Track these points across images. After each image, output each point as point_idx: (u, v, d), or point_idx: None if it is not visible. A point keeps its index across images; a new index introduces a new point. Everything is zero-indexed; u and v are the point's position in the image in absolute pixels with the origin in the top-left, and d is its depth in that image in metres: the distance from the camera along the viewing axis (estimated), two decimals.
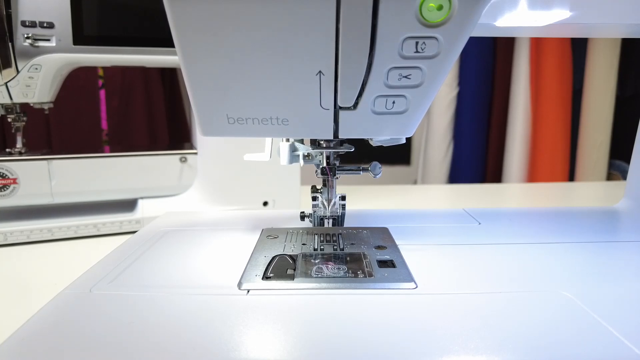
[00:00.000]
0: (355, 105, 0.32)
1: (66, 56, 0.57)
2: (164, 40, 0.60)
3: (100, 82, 1.43)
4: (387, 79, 0.31)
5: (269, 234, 0.44)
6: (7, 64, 0.55)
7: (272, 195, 0.72)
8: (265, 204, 0.72)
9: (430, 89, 0.32)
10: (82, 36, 0.57)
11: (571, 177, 1.91)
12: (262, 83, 0.31)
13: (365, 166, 0.43)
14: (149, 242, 0.43)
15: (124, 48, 0.59)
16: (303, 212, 0.47)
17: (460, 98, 1.93)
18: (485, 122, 1.98)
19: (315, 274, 0.34)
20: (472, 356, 0.24)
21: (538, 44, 1.80)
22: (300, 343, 0.26)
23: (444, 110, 1.94)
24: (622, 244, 0.43)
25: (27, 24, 0.54)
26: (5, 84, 0.57)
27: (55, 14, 0.55)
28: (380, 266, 0.36)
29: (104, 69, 1.40)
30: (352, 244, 0.41)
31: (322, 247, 0.40)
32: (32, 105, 0.62)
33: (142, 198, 0.67)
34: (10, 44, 0.54)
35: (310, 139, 0.42)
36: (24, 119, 0.63)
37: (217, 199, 0.69)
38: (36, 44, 0.55)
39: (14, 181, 0.60)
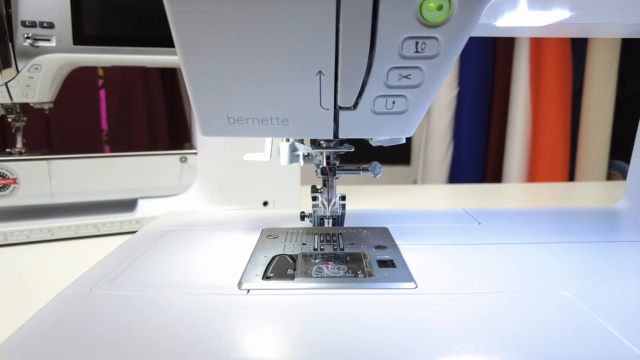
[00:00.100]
0: (355, 105, 0.32)
1: (66, 56, 0.57)
2: (164, 40, 0.60)
3: (100, 82, 1.43)
4: (387, 79, 0.31)
5: (269, 234, 0.44)
6: (7, 64, 0.55)
7: (272, 195, 0.72)
8: (265, 204, 0.72)
9: (430, 89, 0.32)
10: (82, 36, 0.57)
11: (571, 177, 1.91)
12: (262, 83, 0.31)
13: (365, 166, 0.43)
14: (149, 242, 0.43)
15: (124, 48, 0.59)
16: (303, 212, 0.47)
17: (460, 98, 1.93)
18: (485, 122, 1.98)
19: (315, 274, 0.34)
20: (472, 356, 0.24)
21: (538, 44, 1.80)
22: (300, 343, 0.26)
23: (444, 110, 1.94)
24: (622, 244, 0.43)
25: (27, 24, 0.54)
26: (5, 84, 0.57)
27: (55, 14, 0.55)
28: (380, 266, 0.36)
29: (104, 69, 1.40)
30: (352, 244, 0.41)
31: (322, 247, 0.40)
32: (32, 105, 0.62)
33: (142, 198, 0.67)
34: (10, 44, 0.54)
35: (310, 139, 0.42)
36: (24, 119, 0.63)
37: (217, 199, 0.69)
38: (36, 44, 0.55)
39: (14, 181, 0.60)
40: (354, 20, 0.28)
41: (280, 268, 0.36)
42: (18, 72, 0.56)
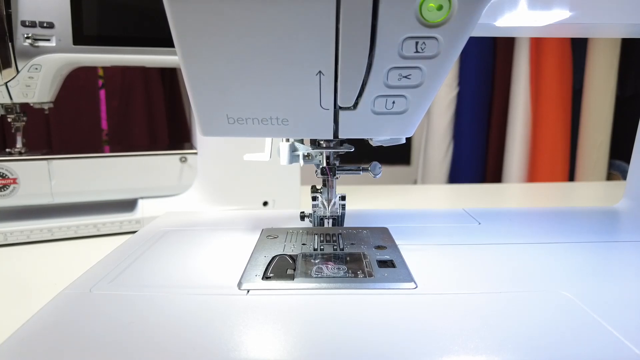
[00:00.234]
0: (355, 105, 0.32)
1: (66, 56, 0.57)
2: (164, 40, 0.60)
3: (100, 82, 1.43)
4: (387, 79, 0.31)
5: (269, 234, 0.44)
6: (7, 64, 0.55)
7: (272, 195, 0.72)
8: (265, 204, 0.72)
9: (430, 89, 0.32)
10: (82, 36, 0.57)
11: (571, 177, 1.91)
12: (262, 83, 0.31)
13: (365, 166, 0.43)
14: (149, 242, 0.43)
15: (124, 48, 0.59)
16: (303, 212, 0.47)
17: (460, 98, 1.93)
18: (485, 122, 1.98)
19: (315, 274, 0.34)
20: (472, 356, 0.24)
21: (538, 44, 1.80)
22: (300, 343, 0.26)
23: (444, 110, 1.94)
24: (622, 244, 0.43)
25: (27, 24, 0.54)
26: (5, 84, 0.57)
27: (55, 14, 0.55)
28: (380, 266, 0.36)
29: (104, 69, 1.40)
30: (352, 244, 0.41)
31: (322, 247, 0.40)
32: (32, 105, 0.62)
33: (142, 198, 0.67)
34: (10, 44, 0.54)
35: (310, 139, 0.42)
36: (24, 119, 0.63)
37: (217, 199, 0.69)
38: (36, 44, 0.55)
39: (14, 181, 0.60)
40: (354, 20, 0.28)
41: (280, 268, 0.36)
42: (18, 72, 0.56)
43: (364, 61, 0.30)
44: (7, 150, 0.63)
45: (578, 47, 1.81)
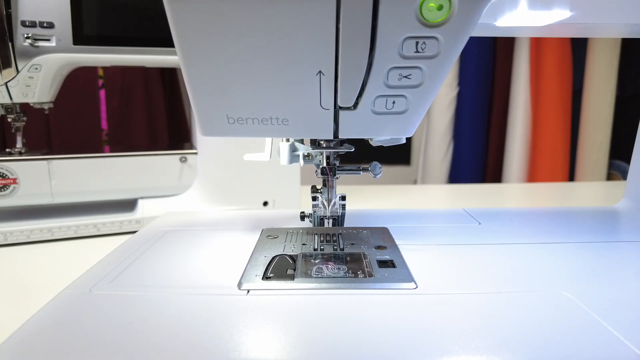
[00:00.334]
0: (355, 105, 0.32)
1: (66, 56, 0.57)
2: (164, 40, 0.60)
3: (100, 82, 1.43)
4: (387, 79, 0.31)
5: (269, 234, 0.44)
6: (7, 64, 0.55)
7: (272, 195, 0.72)
8: (265, 204, 0.72)
9: (430, 89, 0.32)
10: (82, 36, 0.57)
11: (571, 177, 1.91)
12: (262, 83, 0.31)
13: (365, 166, 0.43)
14: (149, 242, 0.43)
15: (124, 48, 0.59)
16: (303, 212, 0.47)
17: (460, 98, 1.93)
18: (485, 122, 1.98)
19: (315, 274, 0.34)
20: (472, 356, 0.24)
21: (538, 44, 1.80)
22: (300, 343, 0.26)
23: (444, 110, 1.94)
24: (622, 244, 0.43)
25: (27, 24, 0.54)
26: (5, 84, 0.57)
27: (55, 14, 0.55)
28: (380, 266, 0.36)
29: (104, 69, 1.40)
30: (352, 244, 0.41)
31: (322, 247, 0.40)
32: (32, 105, 0.62)
33: (142, 198, 0.67)
34: (10, 44, 0.54)
35: (310, 139, 0.42)
36: (24, 119, 0.63)
37: (217, 199, 0.69)
38: (36, 44, 0.55)
39: (14, 181, 0.60)
40: (354, 20, 0.28)
41: (280, 268, 0.36)
42: (18, 72, 0.56)
43: (364, 61, 0.30)
44: (7, 150, 0.63)
45: (578, 47, 1.81)
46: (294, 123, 0.33)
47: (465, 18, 0.29)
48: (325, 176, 0.43)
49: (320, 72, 0.30)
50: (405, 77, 0.31)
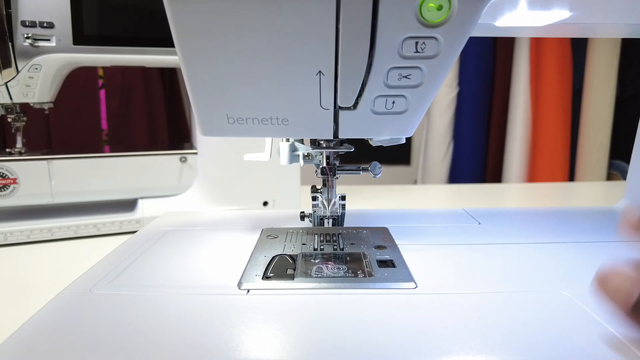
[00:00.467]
0: (355, 105, 0.32)
1: (66, 56, 0.57)
2: (164, 40, 0.60)
3: (100, 82, 1.43)
4: (387, 79, 0.31)
5: (269, 234, 0.44)
6: (7, 64, 0.55)
7: (272, 195, 0.72)
8: (265, 204, 0.72)
9: (430, 89, 0.32)
10: (82, 36, 0.57)
11: (571, 177, 1.91)
12: (262, 83, 0.31)
13: (365, 166, 0.43)
14: (149, 242, 0.43)
15: (124, 48, 0.59)
16: (303, 212, 0.47)
17: (460, 98, 1.93)
18: (485, 122, 1.98)
19: (315, 274, 0.34)
20: (472, 356, 0.24)
21: (538, 44, 1.80)
22: (300, 343, 0.26)
23: (444, 110, 1.94)
24: (622, 244, 0.43)
25: (27, 24, 0.54)
26: (5, 84, 0.57)
27: (55, 14, 0.55)
28: (380, 266, 0.36)
29: (104, 69, 1.40)
30: (352, 243, 0.41)
31: (322, 247, 0.40)
32: (32, 105, 0.62)
33: (142, 198, 0.67)
34: (10, 44, 0.54)
35: (310, 139, 0.42)
36: (24, 119, 0.63)
37: (217, 199, 0.69)
38: (36, 44, 0.55)
39: (14, 181, 0.60)
40: (354, 20, 0.28)
41: (280, 268, 0.36)
42: (18, 72, 0.56)
43: (364, 61, 0.30)
44: (7, 150, 0.63)
45: (578, 47, 1.81)
46: (294, 123, 0.33)
47: (465, 18, 0.29)
48: (325, 176, 0.43)
49: (320, 72, 0.30)
50: (405, 77, 0.31)
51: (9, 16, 0.53)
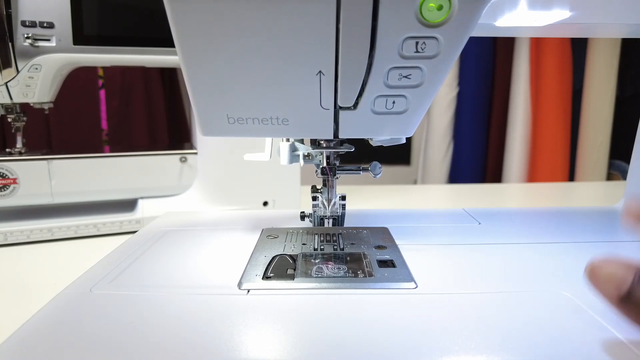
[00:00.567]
0: (355, 105, 0.32)
1: (66, 56, 0.57)
2: (164, 40, 0.60)
3: (100, 82, 1.43)
4: (387, 79, 0.31)
5: (269, 234, 0.44)
6: (7, 64, 0.55)
7: (272, 195, 0.72)
8: (265, 204, 0.72)
9: (430, 89, 0.32)
10: (82, 36, 0.57)
11: (571, 177, 1.91)
12: (262, 83, 0.31)
13: (365, 166, 0.43)
14: (149, 242, 0.43)
15: (124, 48, 0.59)
16: (303, 212, 0.47)
17: (460, 98, 1.93)
18: (485, 122, 1.98)
19: (315, 274, 0.34)
20: (472, 356, 0.24)
21: (538, 44, 1.80)
22: (300, 343, 0.26)
23: (444, 110, 1.94)
24: (622, 244, 0.43)
25: (27, 24, 0.54)
26: (5, 84, 0.57)
27: (55, 14, 0.55)
28: (380, 266, 0.36)
29: (104, 69, 1.40)
30: (352, 243, 0.41)
31: (322, 247, 0.40)
32: (32, 105, 0.62)
33: (142, 198, 0.67)
34: (10, 44, 0.54)
35: (310, 139, 0.42)
36: (24, 119, 0.63)
37: (217, 199, 0.69)
38: (36, 44, 0.55)
39: (14, 181, 0.60)
40: (354, 20, 0.28)
41: (280, 268, 0.36)
42: (18, 72, 0.56)
43: (364, 61, 0.30)
44: (7, 150, 0.63)
45: (578, 47, 1.81)
46: (294, 123, 0.33)
47: (465, 18, 0.29)
48: (325, 176, 0.43)
49: (320, 72, 0.30)
50: (405, 77, 0.31)
51: (9, 16, 0.53)
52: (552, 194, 1.04)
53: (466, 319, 0.28)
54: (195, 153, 0.69)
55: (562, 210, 0.57)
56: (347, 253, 0.39)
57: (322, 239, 0.42)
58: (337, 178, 0.43)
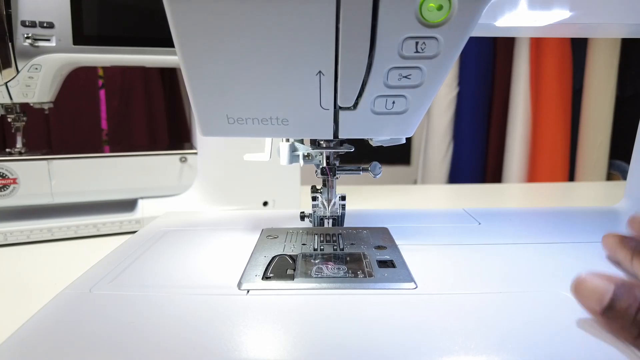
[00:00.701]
0: (355, 105, 0.32)
1: (66, 56, 0.57)
2: (164, 40, 0.60)
3: (100, 82, 1.43)
4: (387, 79, 0.31)
5: (269, 234, 0.44)
6: (7, 64, 0.55)
7: (272, 195, 0.72)
8: (265, 204, 0.72)
9: (430, 89, 0.32)
10: (82, 36, 0.57)
11: (571, 177, 1.91)
12: (262, 83, 0.31)
13: (365, 166, 0.43)
14: (149, 242, 0.43)
15: (124, 48, 0.59)
16: (303, 212, 0.47)
17: (460, 98, 1.93)
18: (485, 122, 1.98)
19: (315, 274, 0.34)
20: (472, 356, 0.24)
21: (538, 44, 1.80)
22: (300, 343, 0.26)
23: (444, 110, 1.94)
24: None
25: (27, 24, 0.54)
26: (5, 84, 0.57)
27: (55, 14, 0.55)
28: (380, 266, 0.36)
29: (104, 69, 1.40)
30: (352, 244, 0.41)
31: (322, 247, 0.40)
32: (32, 105, 0.62)
33: (142, 198, 0.67)
34: (10, 44, 0.54)
35: (310, 139, 0.42)
36: (24, 119, 0.63)
37: (217, 199, 0.69)
38: (36, 44, 0.55)
39: (14, 181, 0.60)
40: (354, 20, 0.28)
41: (280, 268, 0.36)
42: (18, 72, 0.56)
43: (364, 61, 0.30)
44: (7, 150, 0.63)
45: (578, 47, 1.81)
46: (294, 123, 0.33)
47: (465, 18, 0.29)
48: (325, 176, 0.43)
49: (320, 72, 0.30)
50: (405, 77, 0.31)
51: (9, 16, 0.53)
52: (552, 194, 1.04)
53: (466, 319, 0.28)
54: (195, 153, 0.69)
55: (562, 211, 0.57)
56: (347, 253, 0.39)
57: (322, 239, 0.42)
58: (337, 178, 0.43)
